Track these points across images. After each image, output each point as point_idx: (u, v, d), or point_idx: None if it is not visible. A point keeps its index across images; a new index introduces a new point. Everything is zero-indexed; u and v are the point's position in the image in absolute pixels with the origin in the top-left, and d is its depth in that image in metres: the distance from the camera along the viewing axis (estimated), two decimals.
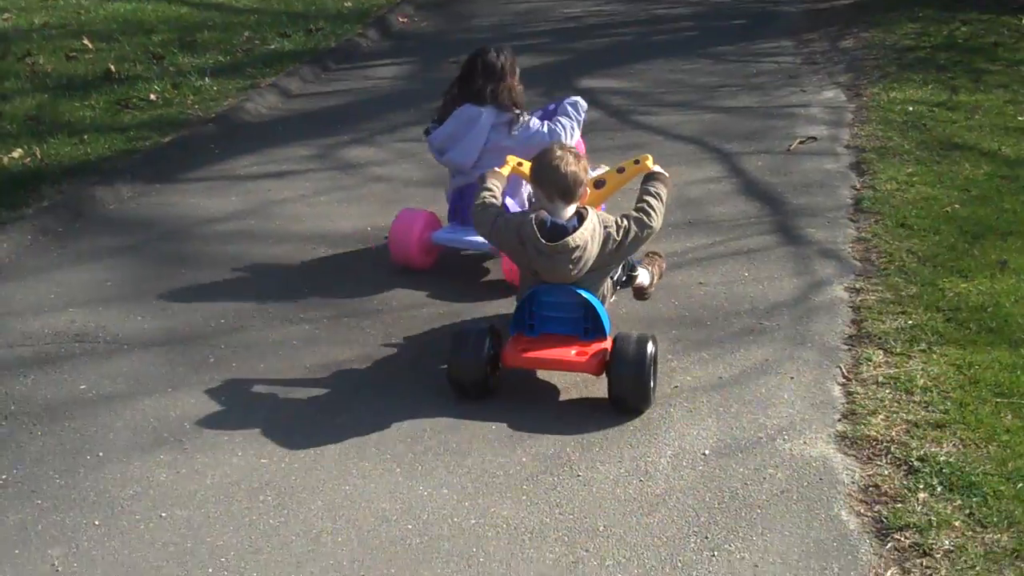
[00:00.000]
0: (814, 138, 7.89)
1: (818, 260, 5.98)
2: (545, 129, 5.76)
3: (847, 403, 4.60)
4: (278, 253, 6.25)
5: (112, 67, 9.55)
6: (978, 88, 8.73)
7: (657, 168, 5.21)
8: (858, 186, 7.01)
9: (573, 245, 4.55)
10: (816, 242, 6.22)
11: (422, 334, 5.35)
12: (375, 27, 10.98)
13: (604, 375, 4.65)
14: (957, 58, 9.47)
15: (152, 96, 8.96)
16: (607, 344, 4.71)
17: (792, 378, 4.81)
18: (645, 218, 4.80)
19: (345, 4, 11.68)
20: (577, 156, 4.73)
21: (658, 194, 4.96)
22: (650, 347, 4.59)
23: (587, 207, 4.73)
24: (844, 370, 4.86)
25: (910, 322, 5.19)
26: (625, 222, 4.75)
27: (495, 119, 5.77)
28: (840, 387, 4.73)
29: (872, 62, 9.50)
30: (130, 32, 10.77)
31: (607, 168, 5.74)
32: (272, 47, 10.29)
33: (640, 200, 4.91)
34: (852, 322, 5.27)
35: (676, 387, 4.80)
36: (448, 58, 10.03)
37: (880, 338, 5.06)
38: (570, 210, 4.70)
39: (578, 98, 6.05)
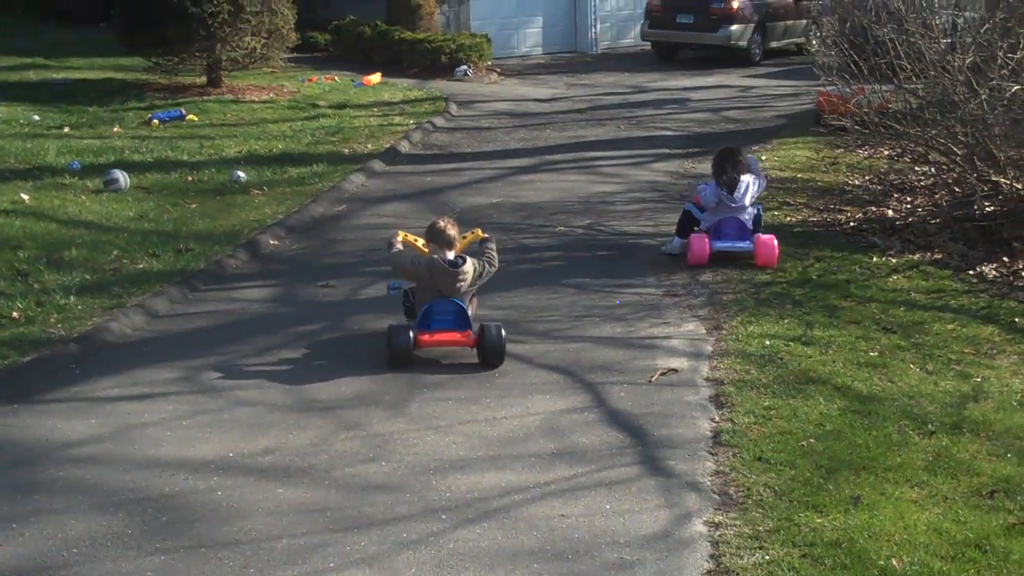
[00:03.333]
0: (675, 370, 8.08)
1: (678, 493, 6.07)
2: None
3: None
4: (136, 480, 6.15)
5: None
6: (832, 324, 9.04)
7: (486, 235, 8.85)
8: (717, 419, 7.18)
9: (465, 270, 8.11)
10: (677, 475, 6.32)
11: None
12: (245, 249, 11.05)
13: (476, 348, 7.98)
14: (812, 294, 9.82)
15: (15, 314, 8.86)
16: (474, 332, 8.04)
17: None
18: (493, 262, 8.50)
19: (216, 225, 11.75)
20: (453, 224, 8.34)
21: (493, 248, 8.65)
22: (502, 330, 8.00)
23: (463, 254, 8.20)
24: None
25: (767, 557, 5.28)
26: (483, 264, 8.36)
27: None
28: None
29: (730, 296, 9.80)
30: None
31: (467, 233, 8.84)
32: (140, 267, 10.27)
33: (485, 252, 8.53)
34: (711, 557, 5.35)
35: None
36: (317, 282, 10.12)
37: (738, 574, 5.12)
38: (451, 255, 8.16)
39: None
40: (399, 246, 8.51)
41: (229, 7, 18.77)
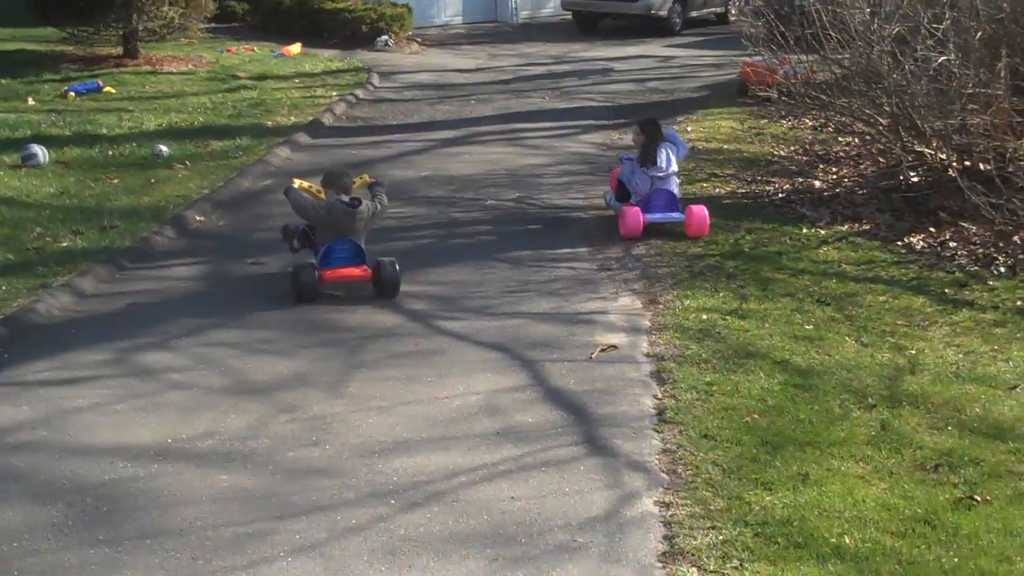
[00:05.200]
0: (614, 346, 8.05)
1: (627, 472, 6.05)
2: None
3: None
4: (74, 468, 6.00)
5: None
6: (766, 297, 9.06)
7: (374, 179, 9.81)
8: (659, 395, 7.16)
9: (362, 210, 8.95)
10: (623, 453, 6.29)
11: None
12: (171, 225, 10.83)
13: (373, 280, 8.87)
14: (744, 266, 9.83)
15: None
16: (370, 266, 8.90)
17: None
18: (384, 201, 9.42)
19: (141, 200, 11.51)
20: (347, 172, 9.48)
21: (383, 190, 9.53)
22: (395, 265, 8.87)
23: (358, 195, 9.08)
24: None
25: (720, 537, 5.27)
26: (375, 203, 9.21)
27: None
28: None
29: (664, 269, 9.79)
30: None
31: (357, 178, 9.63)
32: (64, 245, 10.03)
33: (376, 194, 9.37)
34: (664, 538, 5.33)
35: None
36: (246, 258, 9.95)
37: (693, 555, 5.12)
38: (346, 198, 8.94)
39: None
40: (302, 191, 9.26)
41: None
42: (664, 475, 6.00)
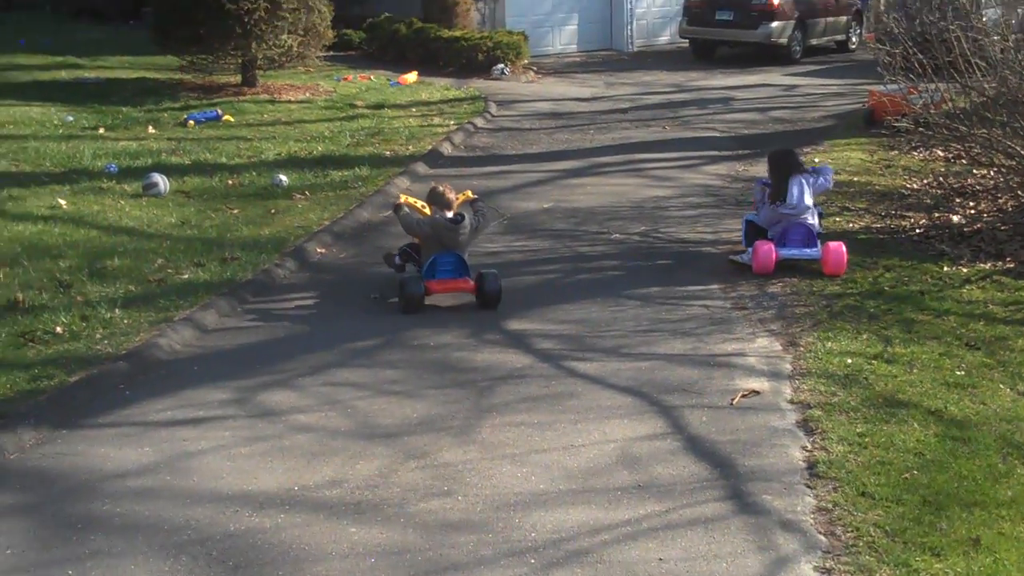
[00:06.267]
0: (756, 392, 7.65)
1: (780, 533, 5.65)
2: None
3: None
4: (198, 516, 5.76)
5: (19, 295, 9.06)
6: (912, 340, 8.61)
7: (475, 195, 10.11)
8: (809, 447, 6.75)
9: (465, 226, 9.36)
10: (775, 511, 5.89)
11: None
12: (292, 257, 10.65)
13: (476, 292, 9.25)
14: (886, 306, 9.38)
15: (58, 329, 8.49)
16: (472, 278, 9.30)
17: None
18: (485, 217, 9.93)
19: (261, 232, 11.37)
20: (450, 188, 9.68)
21: (484, 205, 10.02)
22: (498, 277, 9.27)
23: (461, 211, 9.52)
24: None
25: None
26: (477, 219, 9.67)
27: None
28: None
29: (802, 308, 9.37)
30: (35, 256, 10.30)
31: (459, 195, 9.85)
32: (186, 277, 9.89)
33: (478, 209, 9.80)
34: None
35: None
36: (369, 293, 9.73)
37: None
38: (450, 214, 9.40)
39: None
40: (405, 209, 9.75)
41: (266, 4, 18.38)
42: (822, 537, 5.60)
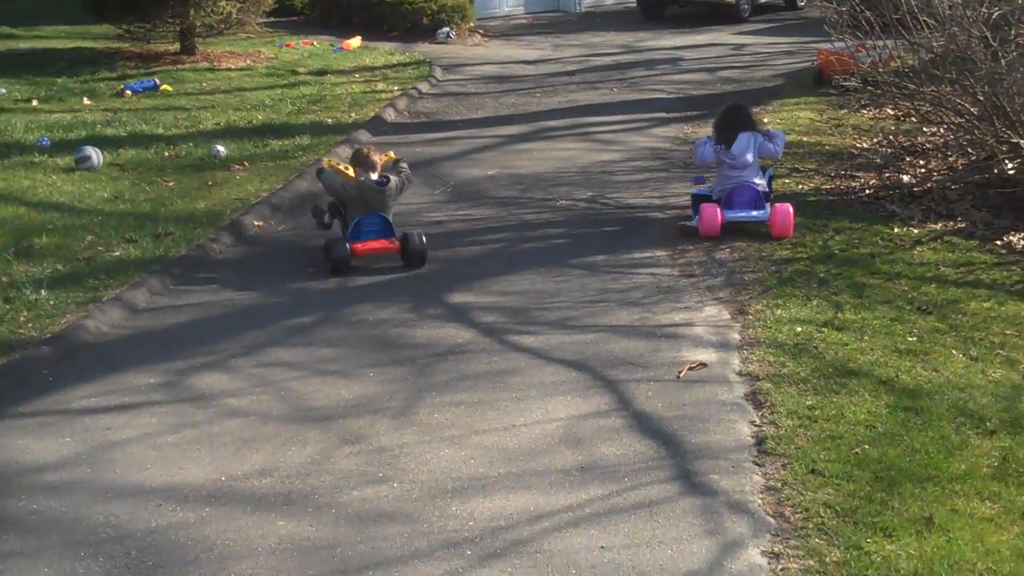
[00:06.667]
0: (703, 364, 7.42)
1: (728, 516, 5.43)
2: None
3: None
4: (119, 512, 5.48)
5: None
6: (862, 305, 8.41)
7: (398, 156, 10.20)
8: (757, 421, 6.53)
9: (391, 187, 9.51)
10: (722, 492, 5.67)
11: None
12: (228, 231, 10.32)
13: (401, 251, 9.37)
14: (836, 271, 9.17)
15: None
16: (397, 238, 9.41)
17: None
18: (409, 178, 9.91)
19: (197, 205, 11.02)
20: (375, 150, 9.95)
21: (406, 166, 9.97)
22: (422, 236, 9.40)
23: (386, 173, 9.63)
24: None
25: None
26: (402, 179, 9.70)
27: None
28: None
29: (751, 275, 9.15)
30: None
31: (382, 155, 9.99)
32: (117, 254, 9.55)
33: (402, 170, 9.81)
34: None
35: None
36: (308, 266, 9.45)
37: None
38: (375, 175, 9.54)
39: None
40: (328, 172, 9.84)
41: None
42: (770, 519, 5.38)
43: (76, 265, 9.27)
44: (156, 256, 9.50)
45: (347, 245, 9.29)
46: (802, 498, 5.55)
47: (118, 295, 8.62)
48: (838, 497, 5.54)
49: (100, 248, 9.70)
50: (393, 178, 9.62)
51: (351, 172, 9.71)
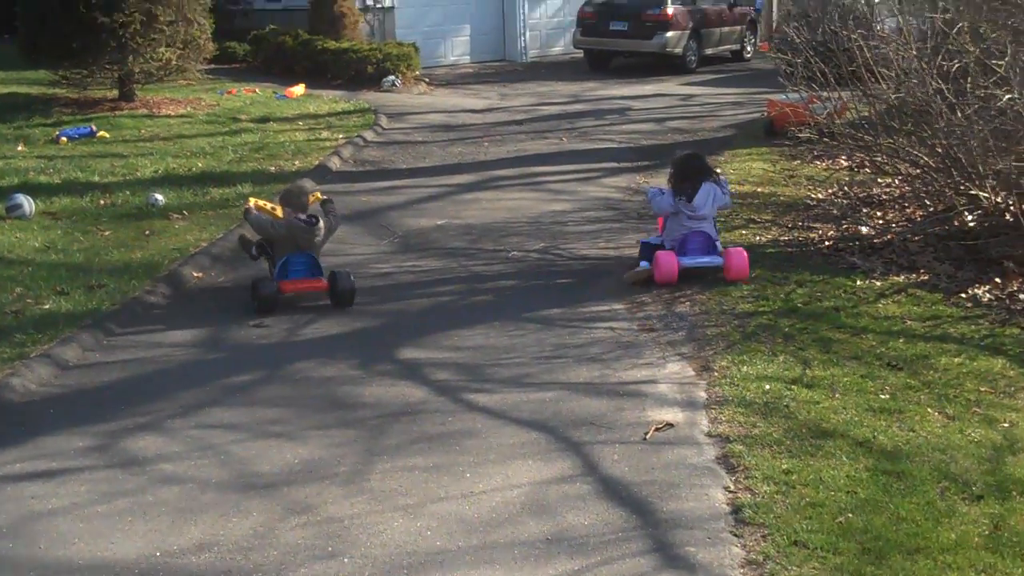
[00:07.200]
0: (670, 424, 7.04)
1: None
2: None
3: None
4: None
5: None
6: (831, 360, 8.08)
7: (326, 196, 10.11)
8: (732, 487, 6.15)
9: (320, 227, 9.44)
10: (701, 566, 5.28)
11: None
12: (166, 283, 9.84)
13: (329, 291, 9.29)
14: (801, 325, 8.85)
15: None
16: (325, 278, 9.35)
17: None
18: (337, 218, 10.00)
19: (133, 255, 10.53)
20: (304, 191, 10.14)
21: (334, 206, 10.05)
22: (350, 276, 9.35)
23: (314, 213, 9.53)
24: None
25: None
26: (332, 220, 9.82)
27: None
28: None
29: (713, 329, 8.81)
30: None
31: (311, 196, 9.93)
32: (47, 307, 9.05)
33: (330, 211, 9.86)
34: None
35: None
36: (248, 320, 8.99)
37: None
38: (303, 216, 9.40)
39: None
40: (255, 212, 9.60)
41: (141, 17, 17.57)
42: None
43: (3, 319, 8.76)
44: (89, 309, 9.01)
45: (275, 283, 9.28)
46: (787, 573, 5.17)
47: (47, 351, 8.12)
48: (825, 571, 5.17)
49: (29, 301, 9.19)
50: (322, 218, 9.60)
51: (279, 212, 9.62)
